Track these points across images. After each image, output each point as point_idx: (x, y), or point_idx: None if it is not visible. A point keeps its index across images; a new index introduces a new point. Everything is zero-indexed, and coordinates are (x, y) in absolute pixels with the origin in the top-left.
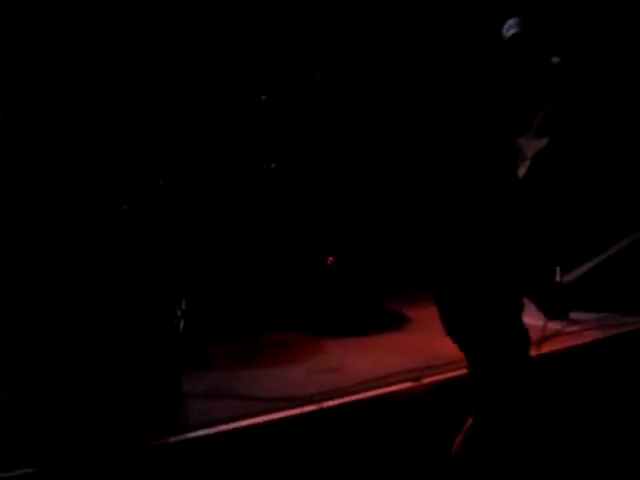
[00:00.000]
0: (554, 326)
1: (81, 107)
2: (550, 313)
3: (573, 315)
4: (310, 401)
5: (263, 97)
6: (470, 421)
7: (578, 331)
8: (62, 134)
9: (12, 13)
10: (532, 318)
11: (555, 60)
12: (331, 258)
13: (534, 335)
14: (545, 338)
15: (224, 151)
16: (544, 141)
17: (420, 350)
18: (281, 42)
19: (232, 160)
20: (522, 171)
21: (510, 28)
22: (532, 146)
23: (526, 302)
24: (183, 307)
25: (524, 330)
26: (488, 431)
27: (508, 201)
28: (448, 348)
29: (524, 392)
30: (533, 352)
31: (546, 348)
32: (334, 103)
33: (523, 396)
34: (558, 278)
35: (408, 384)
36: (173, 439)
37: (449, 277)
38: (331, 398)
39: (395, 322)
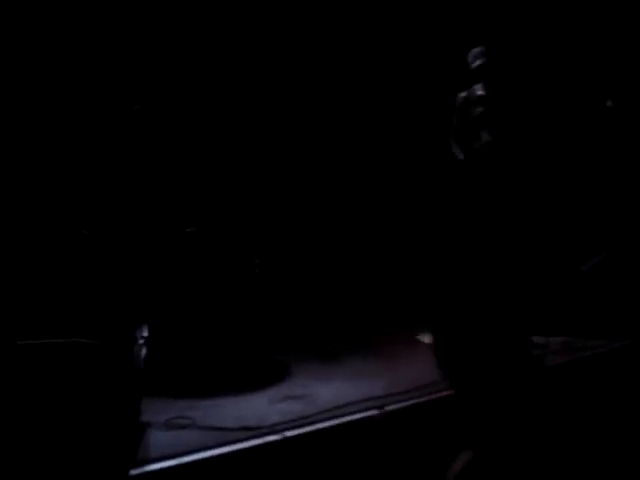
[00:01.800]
0: None
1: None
2: None
3: (536, 339)
4: (273, 431)
5: None
6: (466, 453)
7: (542, 354)
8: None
9: None
10: None
11: (517, 87)
12: None
13: None
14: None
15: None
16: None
17: (386, 376)
18: None
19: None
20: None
21: (475, 57)
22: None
23: None
24: (145, 334)
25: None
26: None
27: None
28: (410, 374)
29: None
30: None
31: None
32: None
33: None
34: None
35: (372, 412)
36: (133, 472)
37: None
38: (294, 427)
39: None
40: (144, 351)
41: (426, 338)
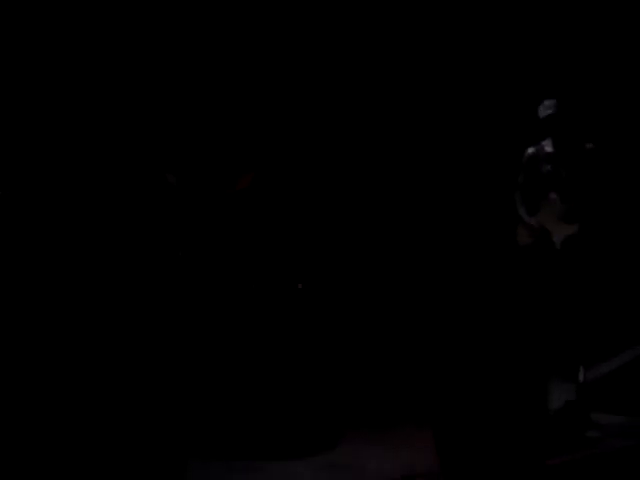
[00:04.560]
0: None
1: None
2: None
3: (595, 417)
4: None
5: None
6: None
7: (599, 437)
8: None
9: None
10: None
11: (589, 146)
12: None
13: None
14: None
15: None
16: (574, 227)
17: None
18: None
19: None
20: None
21: (546, 109)
22: (560, 229)
23: None
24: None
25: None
26: None
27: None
28: None
29: None
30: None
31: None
32: None
33: None
34: (582, 378)
35: None
36: None
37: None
38: None
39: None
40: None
41: None
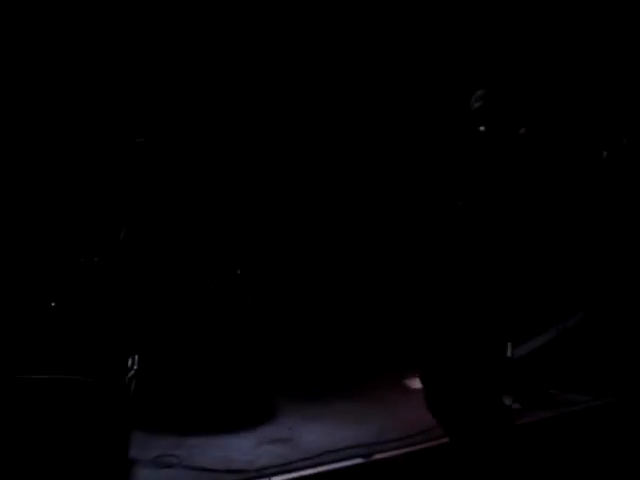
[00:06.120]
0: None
1: None
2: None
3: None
4: (260, 475)
5: None
6: None
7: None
8: None
9: None
10: None
11: (522, 131)
12: None
13: None
14: None
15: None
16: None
17: (373, 422)
18: None
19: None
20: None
21: (478, 99)
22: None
23: None
24: (135, 367)
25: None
26: None
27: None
28: (397, 421)
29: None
30: None
31: None
32: None
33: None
34: (509, 354)
35: (358, 460)
36: None
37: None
38: (280, 472)
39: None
40: (133, 384)
41: (413, 383)
